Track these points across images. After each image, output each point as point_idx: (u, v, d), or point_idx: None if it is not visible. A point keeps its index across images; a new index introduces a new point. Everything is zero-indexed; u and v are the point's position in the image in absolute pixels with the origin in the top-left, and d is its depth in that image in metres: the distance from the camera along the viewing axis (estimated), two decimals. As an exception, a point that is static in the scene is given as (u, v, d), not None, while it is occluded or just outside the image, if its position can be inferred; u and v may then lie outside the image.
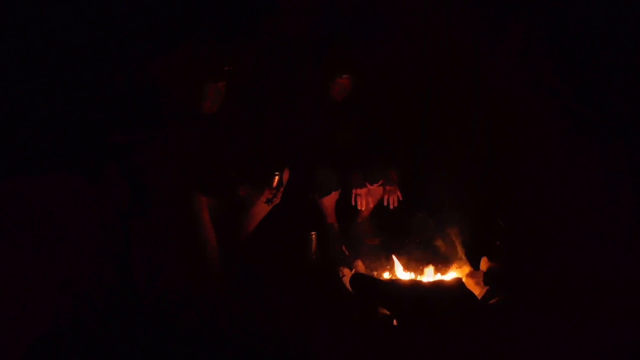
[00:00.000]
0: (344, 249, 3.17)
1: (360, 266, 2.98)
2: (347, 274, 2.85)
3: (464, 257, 3.00)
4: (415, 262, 3.00)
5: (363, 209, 3.28)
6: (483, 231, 3.18)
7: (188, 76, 2.88)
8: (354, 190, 3.24)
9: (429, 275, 2.91)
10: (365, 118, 3.42)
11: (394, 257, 2.97)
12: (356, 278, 2.79)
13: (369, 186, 3.27)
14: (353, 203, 3.25)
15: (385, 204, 3.28)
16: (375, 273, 2.96)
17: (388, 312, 2.55)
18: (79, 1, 2.93)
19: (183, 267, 2.72)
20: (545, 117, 3.23)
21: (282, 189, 3.00)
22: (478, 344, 2.30)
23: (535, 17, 3.26)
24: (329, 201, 3.31)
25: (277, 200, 3.01)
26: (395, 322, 2.51)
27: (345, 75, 3.28)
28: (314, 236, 3.08)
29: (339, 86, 3.30)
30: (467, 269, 2.92)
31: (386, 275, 2.92)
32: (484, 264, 2.94)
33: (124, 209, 2.67)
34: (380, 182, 3.27)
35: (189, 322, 2.40)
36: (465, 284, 2.70)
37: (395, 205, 3.26)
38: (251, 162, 2.98)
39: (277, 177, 2.96)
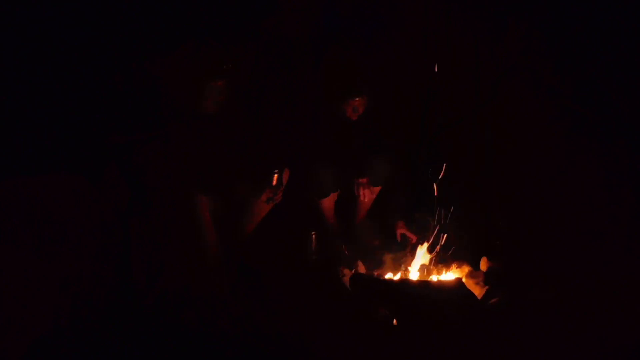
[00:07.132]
0: (344, 249, 3.17)
1: (360, 266, 2.98)
2: (347, 274, 2.85)
3: (464, 256, 3.00)
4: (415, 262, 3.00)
5: (366, 199, 3.30)
6: (483, 231, 3.18)
7: (188, 76, 2.88)
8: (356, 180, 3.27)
9: (429, 275, 2.91)
10: (365, 118, 3.42)
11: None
12: (356, 278, 2.79)
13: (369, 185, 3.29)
14: (355, 192, 3.28)
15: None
16: (375, 273, 2.96)
17: (388, 312, 2.55)
18: (79, 1, 2.93)
19: (183, 267, 2.72)
20: (545, 117, 3.23)
21: (282, 189, 3.00)
22: (478, 344, 2.30)
23: (535, 17, 3.26)
24: (329, 201, 3.32)
25: (277, 200, 3.01)
26: (395, 322, 2.51)
27: (357, 98, 3.24)
28: (314, 236, 3.08)
29: (352, 107, 3.28)
30: (467, 269, 2.92)
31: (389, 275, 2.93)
32: (484, 264, 2.94)
33: (124, 209, 2.67)
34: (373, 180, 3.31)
35: (189, 322, 2.41)
36: (465, 284, 2.70)
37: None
38: (251, 162, 2.98)
39: (277, 177, 2.96)
